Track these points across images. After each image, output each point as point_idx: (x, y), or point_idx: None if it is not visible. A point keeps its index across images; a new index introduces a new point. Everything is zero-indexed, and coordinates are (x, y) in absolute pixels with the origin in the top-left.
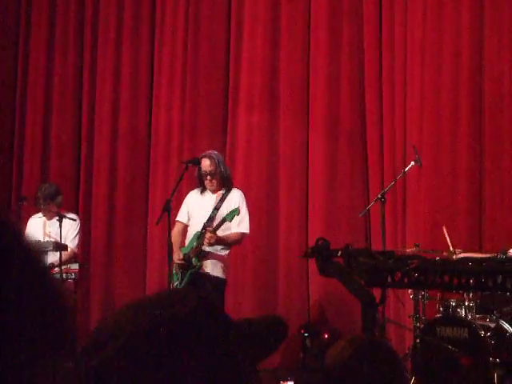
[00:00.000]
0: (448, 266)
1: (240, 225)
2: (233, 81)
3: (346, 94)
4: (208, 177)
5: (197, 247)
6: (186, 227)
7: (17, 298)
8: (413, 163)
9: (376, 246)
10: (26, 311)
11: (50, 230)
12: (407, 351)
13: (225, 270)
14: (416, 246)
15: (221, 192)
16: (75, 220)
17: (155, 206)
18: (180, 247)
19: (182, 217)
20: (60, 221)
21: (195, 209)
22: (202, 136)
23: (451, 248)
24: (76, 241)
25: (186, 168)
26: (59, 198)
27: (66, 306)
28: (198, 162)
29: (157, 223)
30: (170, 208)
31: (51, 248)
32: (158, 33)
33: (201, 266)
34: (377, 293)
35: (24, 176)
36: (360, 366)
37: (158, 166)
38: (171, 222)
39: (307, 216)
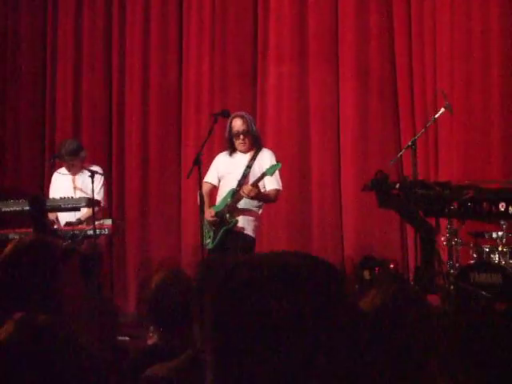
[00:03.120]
0: (505, 195)
1: (274, 182)
2: (261, 31)
3: (375, 42)
4: (241, 136)
5: (231, 204)
6: (213, 188)
7: None
8: (443, 109)
9: None
10: None
11: (81, 185)
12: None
13: (256, 228)
14: None
15: (252, 152)
16: (101, 174)
17: (188, 159)
18: (210, 206)
19: (210, 178)
20: (92, 176)
21: (226, 169)
22: (233, 88)
23: None
24: (102, 194)
25: (215, 120)
26: (83, 153)
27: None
28: (227, 114)
29: (188, 176)
30: (201, 161)
31: (84, 204)
32: None
33: (236, 223)
34: None
35: (56, 132)
36: (390, 311)
37: (189, 119)
38: (201, 175)
39: (339, 165)
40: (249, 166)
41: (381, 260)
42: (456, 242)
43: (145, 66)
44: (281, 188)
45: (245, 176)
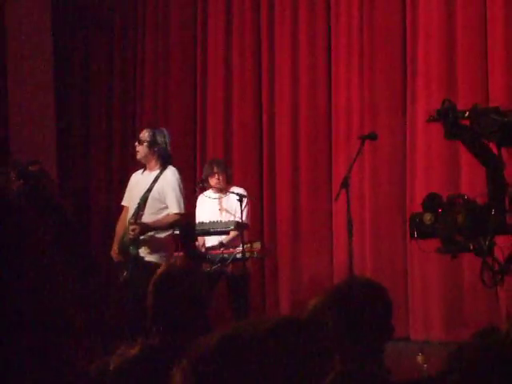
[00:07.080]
0: None
1: (174, 205)
2: (410, 54)
3: None
4: (136, 143)
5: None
6: None
7: None
8: None
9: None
10: None
11: (227, 206)
12: None
13: (162, 254)
14: None
15: (156, 171)
16: (246, 196)
17: (338, 182)
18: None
19: (125, 200)
20: (240, 200)
21: (133, 191)
22: (382, 110)
23: None
24: (245, 215)
25: (363, 143)
26: (229, 171)
27: None
28: (374, 137)
29: (336, 199)
30: (348, 184)
31: (233, 227)
32: (334, 9)
33: (136, 254)
34: None
35: (207, 156)
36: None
37: (339, 142)
38: (349, 199)
39: None
40: (149, 190)
41: (449, 199)
42: None
43: (294, 89)
44: (182, 211)
45: (140, 206)
